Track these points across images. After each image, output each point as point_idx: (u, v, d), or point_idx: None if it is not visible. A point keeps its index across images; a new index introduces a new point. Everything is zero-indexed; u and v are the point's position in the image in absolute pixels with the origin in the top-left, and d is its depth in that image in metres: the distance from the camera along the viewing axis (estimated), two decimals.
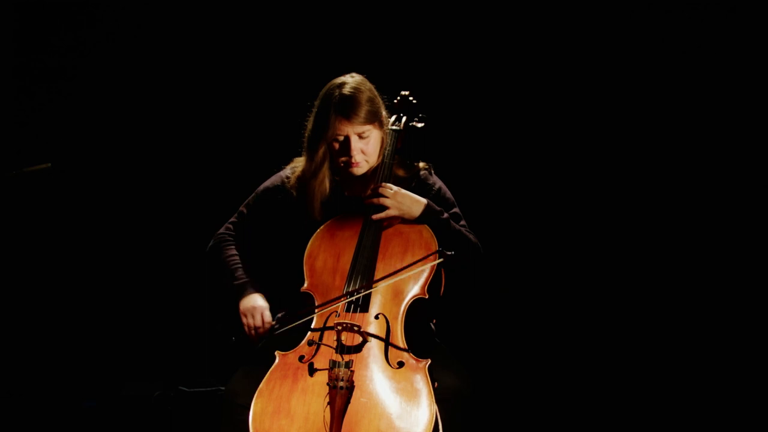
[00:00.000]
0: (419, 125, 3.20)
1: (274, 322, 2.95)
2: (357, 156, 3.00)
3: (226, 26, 4.26)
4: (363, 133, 2.99)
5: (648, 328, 3.98)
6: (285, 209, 3.12)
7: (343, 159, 3.02)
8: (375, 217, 2.94)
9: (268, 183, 3.19)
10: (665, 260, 4.00)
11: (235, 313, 3.02)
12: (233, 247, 3.15)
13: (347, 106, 2.96)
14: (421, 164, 3.18)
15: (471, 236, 3.04)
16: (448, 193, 3.16)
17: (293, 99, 3.20)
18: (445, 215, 3.00)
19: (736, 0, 3.87)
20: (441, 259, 2.82)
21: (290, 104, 3.23)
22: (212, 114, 4.27)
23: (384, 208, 2.94)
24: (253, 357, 2.93)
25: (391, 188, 2.96)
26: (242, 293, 3.02)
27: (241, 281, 3.06)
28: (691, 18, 3.93)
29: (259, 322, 2.95)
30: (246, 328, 2.97)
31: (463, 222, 3.09)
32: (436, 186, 3.14)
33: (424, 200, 2.98)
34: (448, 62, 4.14)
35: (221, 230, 3.20)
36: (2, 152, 4.18)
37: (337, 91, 2.99)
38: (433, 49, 4.14)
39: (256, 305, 2.98)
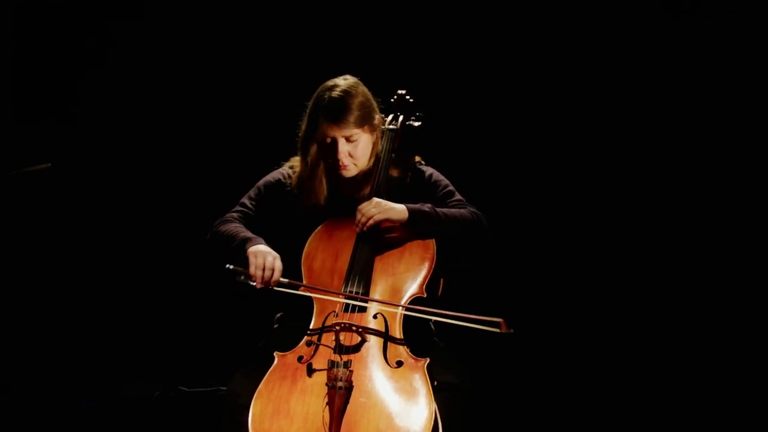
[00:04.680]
0: (416, 124, 3.20)
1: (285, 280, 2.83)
2: (344, 159, 2.99)
3: (225, 25, 4.26)
4: (351, 137, 2.98)
5: (647, 327, 3.98)
6: (285, 206, 3.11)
7: (331, 161, 3.02)
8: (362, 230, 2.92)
9: (269, 177, 3.18)
10: (666, 259, 4.00)
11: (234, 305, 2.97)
12: (237, 222, 3.06)
13: (335, 110, 2.95)
14: (412, 159, 3.17)
15: (465, 210, 3.00)
16: (440, 176, 3.14)
17: (290, 97, 3.20)
18: (429, 206, 2.95)
19: (737, 1, 3.87)
20: None
21: (287, 102, 3.22)
22: (211, 114, 4.28)
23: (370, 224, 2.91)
24: (253, 357, 2.93)
25: (367, 208, 2.90)
26: (253, 243, 2.90)
27: (250, 235, 2.95)
28: (691, 18, 3.93)
29: (270, 264, 2.83)
30: (252, 268, 2.82)
31: (457, 197, 3.07)
32: (428, 173, 3.14)
33: (402, 207, 2.93)
34: (446, 61, 4.15)
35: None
36: (2, 152, 4.18)
37: (327, 93, 2.98)
38: (431, 47, 4.14)
39: (269, 251, 2.87)
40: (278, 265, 2.84)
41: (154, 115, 4.31)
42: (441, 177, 3.14)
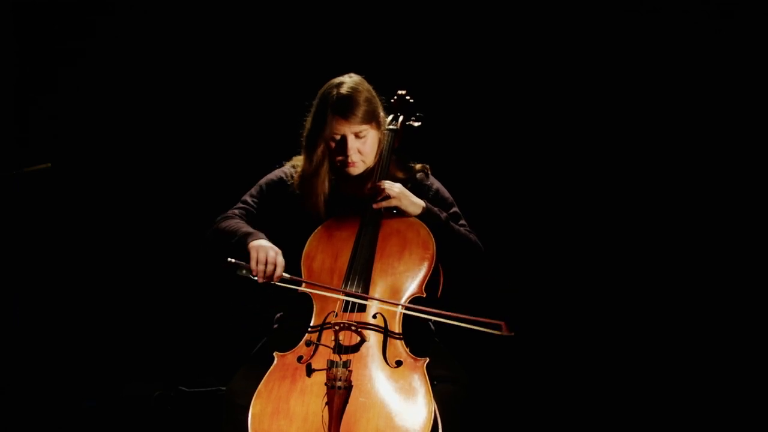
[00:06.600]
0: (416, 124, 3.21)
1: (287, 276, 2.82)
2: (354, 156, 3.00)
3: (226, 24, 4.26)
4: (360, 132, 2.99)
5: (646, 328, 3.98)
6: (287, 206, 3.11)
7: (340, 158, 3.02)
8: (376, 205, 2.94)
9: (271, 176, 3.18)
10: (665, 260, 4.00)
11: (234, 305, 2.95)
12: (239, 219, 3.05)
13: (344, 106, 2.96)
14: (418, 166, 3.18)
15: (472, 236, 3.04)
16: (446, 194, 3.16)
17: (290, 96, 3.20)
18: (444, 215, 3.00)
19: (735, 3, 3.87)
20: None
21: (287, 101, 3.23)
22: (211, 114, 4.28)
23: (386, 198, 2.94)
24: (253, 357, 2.94)
25: (393, 184, 2.96)
26: (254, 237, 2.89)
27: (251, 230, 2.93)
28: (690, 19, 3.93)
29: (272, 259, 2.81)
30: (254, 262, 2.80)
31: (462, 221, 3.10)
32: (434, 187, 3.15)
33: (422, 202, 2.98)
34: (446, 61, 4.14)
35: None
36: (2, 152, 4.18)
37: (335, 90, 2.99)
38: (431, 48, 4.14)
39: (270, 246, 2.86)
40: (280, 260, 2.84)
41: (154, 114, 4.31)
42: (448, 196, 3.16)
